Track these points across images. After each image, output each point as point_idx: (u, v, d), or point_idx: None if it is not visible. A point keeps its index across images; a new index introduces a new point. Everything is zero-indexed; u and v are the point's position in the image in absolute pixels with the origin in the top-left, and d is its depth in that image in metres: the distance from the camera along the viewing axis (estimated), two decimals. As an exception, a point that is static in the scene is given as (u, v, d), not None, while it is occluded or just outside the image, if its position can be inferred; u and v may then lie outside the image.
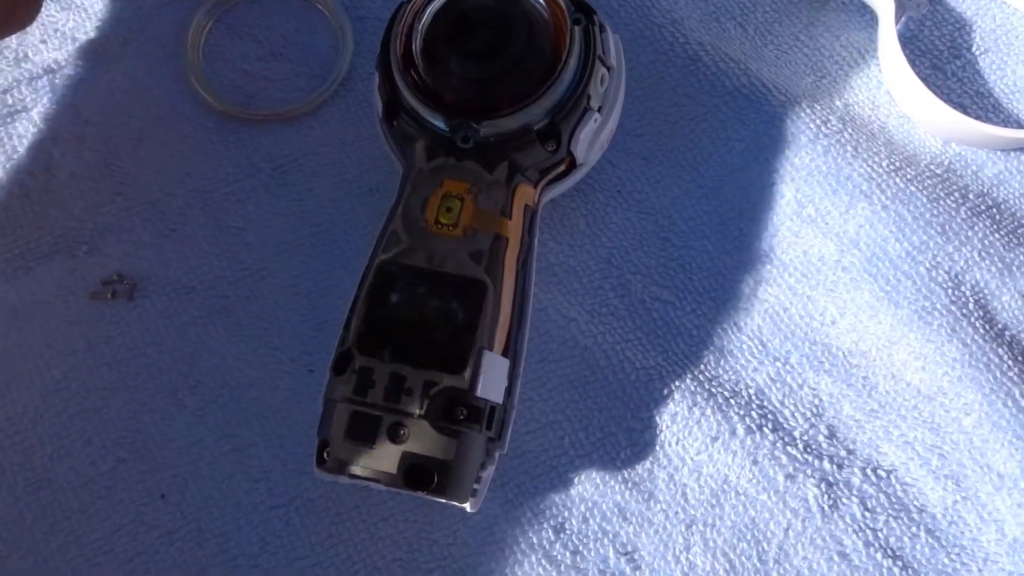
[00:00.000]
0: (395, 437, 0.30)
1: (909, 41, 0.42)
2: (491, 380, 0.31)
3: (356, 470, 0.30)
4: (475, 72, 0.33)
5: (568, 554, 0.35)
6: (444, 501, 0.31)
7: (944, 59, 0.42)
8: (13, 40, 0.43)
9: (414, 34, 0.34)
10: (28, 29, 0.42)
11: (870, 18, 0.42)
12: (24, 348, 0.38)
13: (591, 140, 0.35)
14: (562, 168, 0.35)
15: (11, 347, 0.38)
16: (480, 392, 0.31)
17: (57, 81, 0.42)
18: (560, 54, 0.33)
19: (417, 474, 0.30)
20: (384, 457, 0.30)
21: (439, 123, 0.33)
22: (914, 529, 0.35)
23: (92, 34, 0.43)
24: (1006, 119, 0.41)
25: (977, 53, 0.42)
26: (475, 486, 0.32)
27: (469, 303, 0.32)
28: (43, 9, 0.42)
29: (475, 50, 0.33)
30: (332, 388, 0.32)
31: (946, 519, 0.35)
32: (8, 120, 0.41)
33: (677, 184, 0.40)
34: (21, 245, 0.40)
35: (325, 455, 0.31)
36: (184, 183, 0.40)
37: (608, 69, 0.35)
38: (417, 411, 0.30)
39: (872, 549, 0.35)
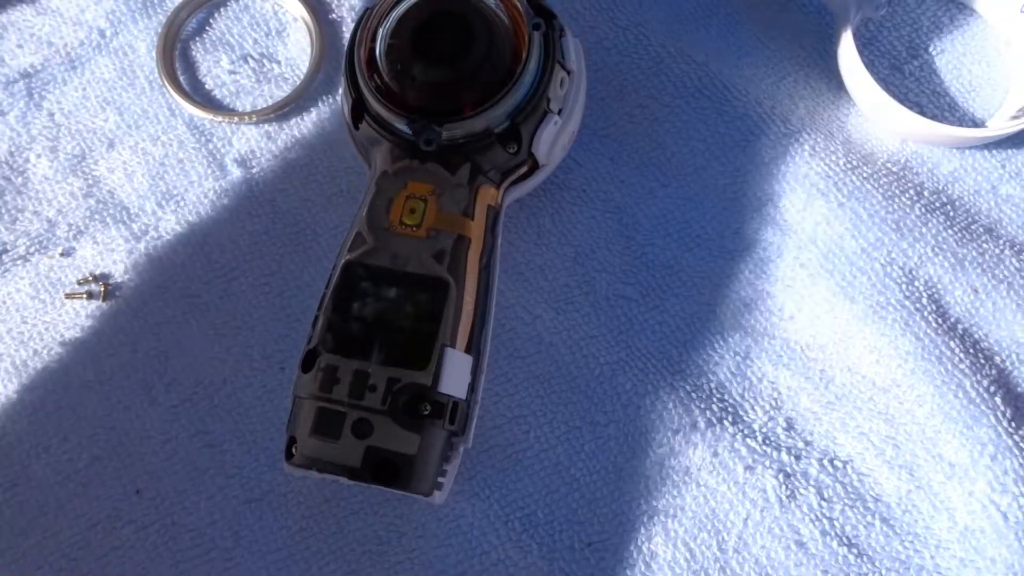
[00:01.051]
0: (359, 432, 0.31)
1: (869, 42, 0.43)
2: (454, 376, 0.32)
3: (322, 465, 0.31)
4: (437, 76, 0.34)
5: (535, 545, 0.36)
6: (408, 494, 0.32)
7: (903, 59, 0.43)
8: (-11, 45, 0.43)
9: (378, 39, 0.35)
10: (4, 35, 0.43)
11: (829, 19, 0.43)
12: (0, 348, 0.39)
13: (552, 142, 0.36)
14: (524, 169, 0.36)
15: (-12, 347, 0.39)
16: (443, 388, 0.32)
17: (32, 85, 0.43)
18: (520, 58, 0.34)
19: (381, 468, 0.31)
20: (349, 452, 0.31)
21: (402, 126, 0.34)
22: (869, 518, 0.36)
23: (67, 39, 0.44)
24: (961, 118, 0.42)
25: (935, 54, 0.43)
26: (440, 479, 0.33)
27: (432, 302, 0.33)
28: (19, 14, 0.43)
29: (436, 55, 0.34)
30: (299, 385, 0.32)
31: (900, 508, 0.36)
32: (-16, 124, 0.42)
33: (641, 183, 0.41)
34: (-3, 247, 0.40)
35: (293, 450, 0.32)
36: (156, 186, 0.41)
37: (568, 72, 0.36)
38: (380, 407, 0.31)
39: (828, 538, 0.36)
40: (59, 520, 0.37)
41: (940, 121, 0.41)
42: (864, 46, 0.43)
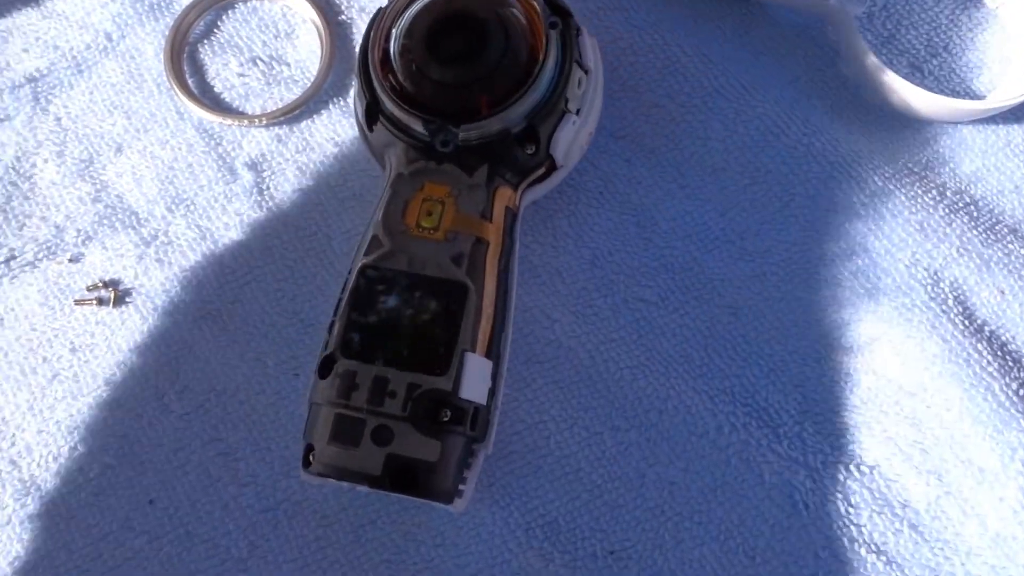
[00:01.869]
0: (379, 439, 0.30)
1: (887, 41, 0.42)
2: (474, 381, 0.32)
3: (341, 473, 0.31)
4: (453, 77, 0.33)
5: (557, 553, 0.35)
6: (429, 502, 0.31)
7: (922, 58, 0.42)
8: (-5, 49, 0.43)
9: (392, 39, 0.34)
10: (10, 39, 0.42)
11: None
12: (10, 356, 0.38)
13: (570, 142, 0.35)
14: (542, 170, 0.35)
15: (-4, 355, 0.38)
16: (463, 393, 0.31)
17: (39, 90, 0.42)
18: (537, 58, 0.33)
19: (402, 475, 0.30)
20: (369, 459, 0.30)
21: (418, 127, 0.33)
22: (897, 524, 0.36)
23: (73, 43, 0.43)
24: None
25: (954, 52, 0.42)
26: (460, 487, 0.32)
27: (451, 305, 0.32)
28: (24, 18, 0.42)
29: (452, 55, 0.33)
30: (316, 391, 0.32)
31: (929, 514, 0.36)
32: (-9, 129, 0.42)
33: (659, 184, 0.40)
34: (5, 253, 0.40)
35: (311, 458, 0.31)
36: (165, 190, 0.41)
37: (585, 72, 0.35)
38: (401, 413, 0.30)
39: (856, 544, 0.35)
40: (70, 531, 0.36)
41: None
42: (883, 45, 0.42)
